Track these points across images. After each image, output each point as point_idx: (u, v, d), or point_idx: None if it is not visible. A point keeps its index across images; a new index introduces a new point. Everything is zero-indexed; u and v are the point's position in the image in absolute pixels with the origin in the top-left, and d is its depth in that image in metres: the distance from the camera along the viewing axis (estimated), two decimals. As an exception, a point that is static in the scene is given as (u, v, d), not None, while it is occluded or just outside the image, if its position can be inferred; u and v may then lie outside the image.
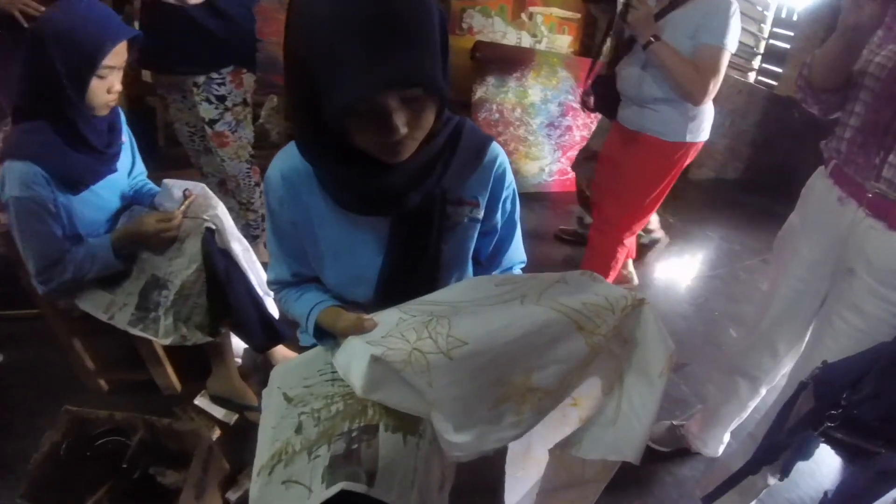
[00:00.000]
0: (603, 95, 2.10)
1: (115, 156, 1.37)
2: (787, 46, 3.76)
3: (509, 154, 0.84)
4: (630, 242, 2.05)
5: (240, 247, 1.53)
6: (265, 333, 1.52)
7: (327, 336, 0.88)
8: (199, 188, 1.49)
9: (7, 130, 1.28)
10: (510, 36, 3.63)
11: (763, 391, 1.40)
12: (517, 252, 1.05)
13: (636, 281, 2.55)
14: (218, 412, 1.62)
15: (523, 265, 1.07)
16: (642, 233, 2.60)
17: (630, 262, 2.51)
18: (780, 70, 3.87)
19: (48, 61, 1.12)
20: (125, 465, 1.20)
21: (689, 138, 1.73)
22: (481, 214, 0.91)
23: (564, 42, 3.87)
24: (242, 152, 2.00)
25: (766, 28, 3.87)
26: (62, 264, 1.27)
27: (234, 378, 1.61)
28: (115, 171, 1.38)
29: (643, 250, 2.74)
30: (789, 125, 3.93)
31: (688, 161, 1.82)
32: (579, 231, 2.84)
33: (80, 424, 1.26)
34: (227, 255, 1.46)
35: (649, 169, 1.81)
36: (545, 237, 2.89)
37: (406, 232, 0.85)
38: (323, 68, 0.62)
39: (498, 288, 0.82)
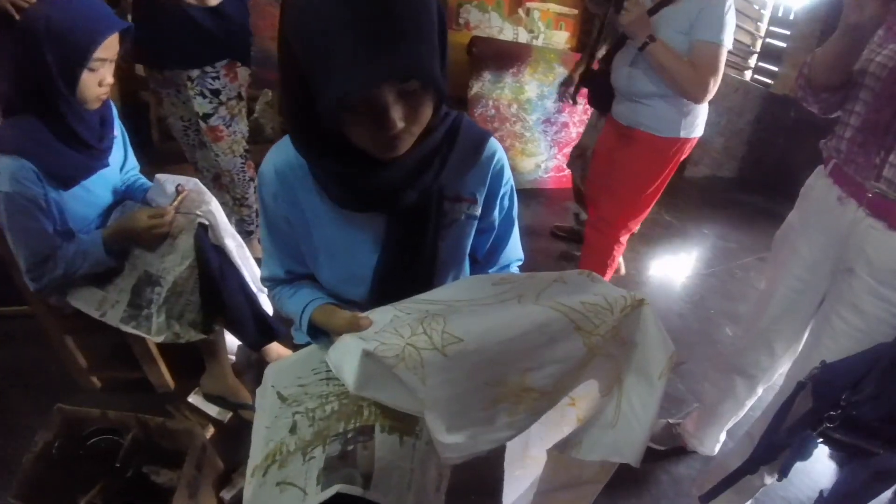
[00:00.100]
0: (597, 90, 2.10)
1: (107, 150, 1.35)
2: (784, 45, 3.77)
3: (505, 150, 0.84)
4: (626, 239, 2.05)
5: (233, 243, 1.52)
6: (259, 331, 1.50)
7: (321, 334, 0.86)
8: (192, 183, 1.47)
9: (-3, 125, 1.26)
10: (507, 31, 3.61)
11: (760, 390, 1.40)
12: (515, 250, 1.04)
13: (623, 271, 2.57)
14: (212, 410, 1.61)
15: (521, 263, 1.06)
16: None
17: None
18: (776, 69, 3.88)
19: (38, 54, 1.10)
20: (118, 464, 1.18)
21: (683, 134, 1.72)
22: (479, 211, 0.89)
23: (561, 38, 3.85)
24: (237, 147, 1.98)
25: (763, 26, 3.88)
26: (53, 261, 1.25)
27: (228, 376, 1.60)
28: (106, 165, 1.36)
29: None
30: (785, 124, 3.95)
31: (683, 157, 1.82)
32: (575, 228, 2.83)
33: (73, 423, 1.24)
34: (221, 252, 1.44)
35: (644, 165, 1.80)
36: (541, 234, 2.89)
37: (402, 229, 0.84)
38: (318, 61, 0.61)
39: (495, 287, 0.81)
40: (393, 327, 0.72)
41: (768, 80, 3.95)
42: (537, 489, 0.96)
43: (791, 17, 3.70)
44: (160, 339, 1.35)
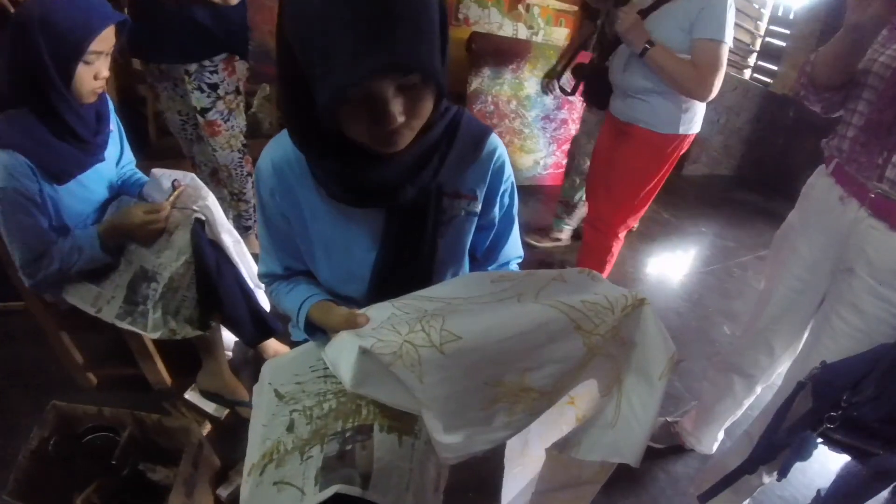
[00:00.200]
0: (594, 87, 2.10)
1: (103, 145, 1.34)
2: (784, 44, 3.77)
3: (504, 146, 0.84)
4: (624, 235, 2.05)
5: (230, 238, 1.51)
6: (256, 327, 1.49)
7: (319, 331, 0.85)
8: (188, 178, 1.46)
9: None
10: (506, 27, 3.60)
11: (758, 389, 1.40)
12: (514, 247, 1.03)
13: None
14: (208, 407, 1.60)
15: (520, 260, 1.06)
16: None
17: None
18: (775, 68, 3.87)
19: (33, 47, 1.08)
20: (114, 462, 1.17)
21: (682, 130, 1.72)
22: (479, 208, 0.89)
23: (561, 34, 3.84)
24: (235, 142, 1.97)
25: (763, 26, 3.87)
26: (48, 257, 1.24)
27: (225, 373, 1.59)
28: (102, 160, 1.35)
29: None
30: (784, 123, 3.95)
31: (681, 153, 1.81)
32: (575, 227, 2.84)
33: (69, 420, 1.23)
34: (217, 247, 1.43)
35: (643, 162, 1.80)
36: (540, 231, 2.88)
37: (401, 226, 0.83)
38: (316, 54, 0.60)
39: (494, 285, 0.81)
40: (390, 324, 0.71)
41: (767, 80, 3.95)
42: (536, 488, 0.95)
43: (791, 16, 3.70)
44: (156, 335, 1.34)
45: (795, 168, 3.72)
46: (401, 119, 0.64)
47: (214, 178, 2.12)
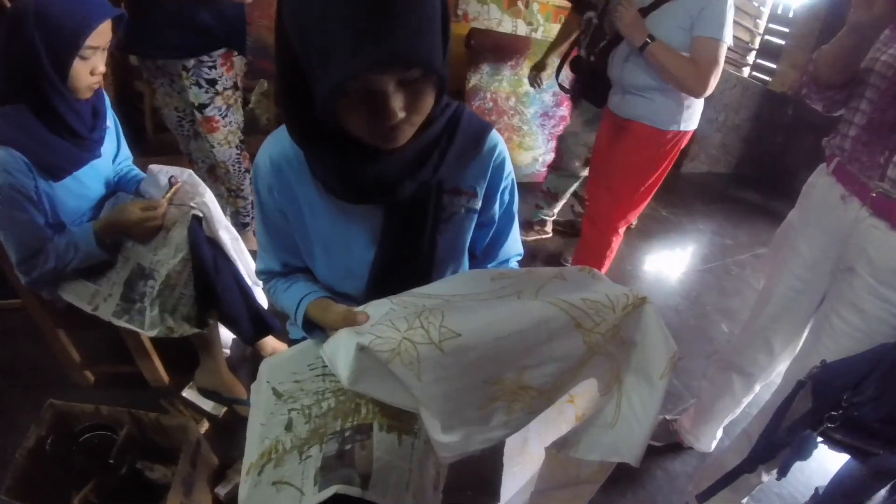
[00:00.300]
0: (591, 84, 2.11)
1: (99, 141, 1.32)
2: (783, 43, 3.76)
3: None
4: (623, 230, 2.06)
5: (228, 235, 1.50)
6: (254, 325, 1.49)
7: (317, 329, 0.85)
8: (185, 175, 1.44)
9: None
10: (506, 24, 3.58)
11: (757, 388, 1.40)
12: (514, 245, 1.02)
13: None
14: (206, 405, 1.60)
15: (520, 258, 1.05)
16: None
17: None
18: (774, 66, 3.87)
19: (28, 42, 1.07)
20: (112, 461, 1.16)
21: (683, 127, 1.73)
22: (479, 205, 0.88)
23: (560, 32, 3.82)
24: (232, 138, 1.96)
25: (762, 24, 3.86)
26: (44, 254, 1.23)
27: (223, 371, 1.59)
28: (98, 156, 1.33)
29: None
30: (782, 121, 3.95)
31: (680, 148, 1.82)
32: (575, 221, 2.84)
33: (66, 419, 1.23)
34: (215, 244, 1.42)
35: (643, 158, 1.81)
36: (527, 224, 2.87)
37: (400, 223, 0.82)
38: (315, 48, 0.59)
39: (494, 282, 0.80)
40: (389, 320, 0.71)
41: (766, 77, 3.94)
42: (535, 487, 0.95)
43: (790, 14, 3.69)
44: (153, 333, 1.33)
45: (794, 166, 3.72)
46: (401, 115, 0.64)
47: (212, 174, 2.11)
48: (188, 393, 1.62)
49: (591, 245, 2.09)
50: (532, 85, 2.63)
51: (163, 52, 1.73)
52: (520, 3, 3.53)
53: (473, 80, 3.00)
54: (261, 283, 0.98)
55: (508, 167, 0.90)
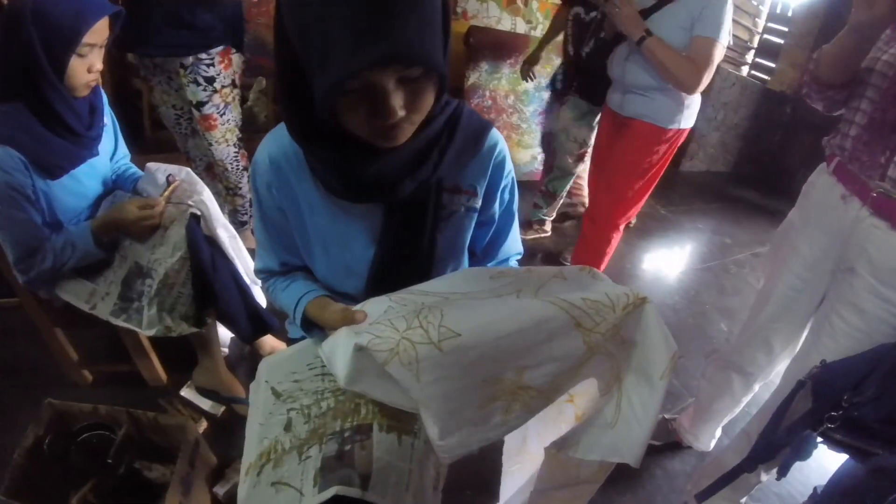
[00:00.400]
0: (588, 82, 2.12)
1: (97, 139, 1.32)
2: (781, 42, 3.76)
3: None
4: (623, 227, 2.07)
5: (226, 234, 1.49)
6: (252, 324, 1.48)
7: (316, 328, 0.84)
8: (183, 173, 1.44)
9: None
10: (505, 22, 3.57)
11: (756, 387, 1.40)
12: (514, 244, 1.02)
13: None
14: (205, 404, 1.59)
15: (520, 257, 1.05)
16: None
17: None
18: (773, 65, 3.87)
19: (25, 39, 1.06)
20: (110, 460, 1.16)
21: (683, 125, 1.77)
22: (479, 204, 0.88)
23: (559, 30, 3.81)
24: (230, 136, 1.95)
25: (761, 22, 3.86)
26: (41, 253, 1.22)
27: (221, 370, 1.58)
28: (96, 154, 1.33)
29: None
30: (781, 120, 3.95)
31: (678, 145, 1.85)
32: (566, 212, 2.85)
33: (64, 418, 1.22)
34: (213, 243, 1.42)
35: (643, 155, 1.82)
36: (526, 223, 2.87)
37: (399, 221, 0.82)
38: (315, 45, 0.58)
39: (493, 281, 0.80)
40: (388, 319, 0.70)
41: (765, 76, 3.95)
42: (535, 488, 0.95)
43: (789, 13, 3.69)
44: (151, 332, 1.32)
45: (792, 165, 3.73)
46: (401, 113, 0.63)
47: (210, 172, 2.10)
48: (186, 392, 1.61)
49: (592, 242, 2.11)
50: (524, 78, 2.64)
51: (160, 49, 1.72)
52: (519, 1, 3.52)
53: (472, 78, 3.00)
54: (259, 281, 0.97)
55: (509, 166, 0.89)
